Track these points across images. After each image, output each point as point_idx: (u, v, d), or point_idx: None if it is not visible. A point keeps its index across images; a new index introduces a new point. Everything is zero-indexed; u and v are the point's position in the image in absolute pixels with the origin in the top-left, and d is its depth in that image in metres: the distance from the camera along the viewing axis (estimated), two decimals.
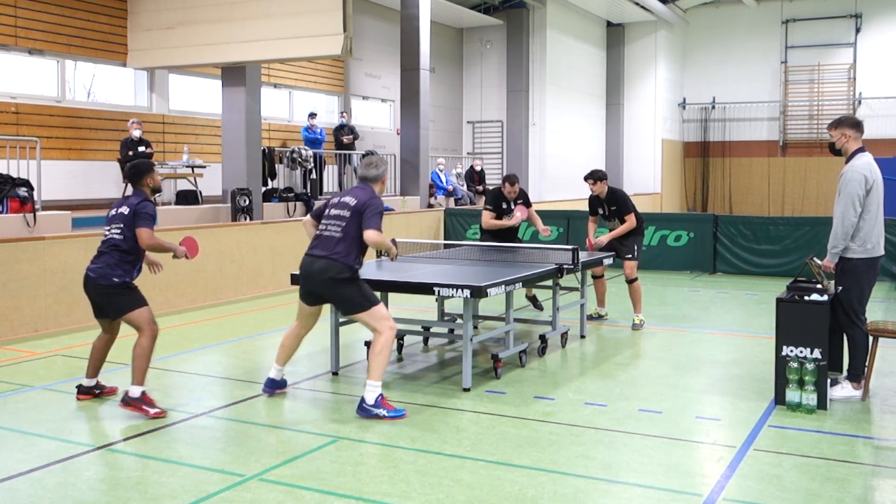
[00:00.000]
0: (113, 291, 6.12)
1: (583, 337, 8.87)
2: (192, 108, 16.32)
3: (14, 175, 10.60)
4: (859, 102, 27.58)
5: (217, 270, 11.33)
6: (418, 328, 8.14)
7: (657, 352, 8.34)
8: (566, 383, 7.05)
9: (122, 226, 6.16)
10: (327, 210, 6.29)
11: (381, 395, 5.97)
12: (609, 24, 28.28)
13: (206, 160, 14.61)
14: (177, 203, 13.77)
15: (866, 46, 27.60)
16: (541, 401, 6.45)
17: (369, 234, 6.01)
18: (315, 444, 5.44)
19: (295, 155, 15.83)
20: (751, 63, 29.07)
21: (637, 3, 25.42)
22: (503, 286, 6.76)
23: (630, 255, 9.56)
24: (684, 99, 30.24)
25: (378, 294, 7.88)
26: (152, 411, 6.00)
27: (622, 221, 9.63)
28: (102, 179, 13.90)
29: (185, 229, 11.26)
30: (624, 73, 28.50)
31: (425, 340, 8.52)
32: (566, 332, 8.44)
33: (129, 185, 6.57)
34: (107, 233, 6.24)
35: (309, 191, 15.88)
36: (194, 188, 13.98)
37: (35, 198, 10.47)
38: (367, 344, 7.74)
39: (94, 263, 6.20)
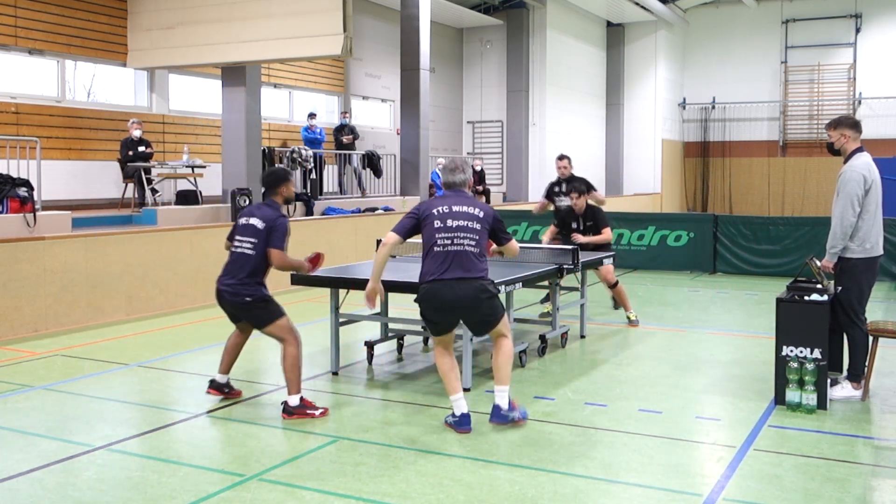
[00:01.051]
0: (248, 307, 6.08)
1: (583, 337, 8.87)
2: (192, 108, 16.33)
3: (14, 175, 10.60)
4: (859, 102, 27.58)
5: (217, 270, 11.27)
6: (418, 328, 8.14)
7: (657, 352, 8.34)
8: (566, 383, 7.05)
9: (254, 241, 6.03)
10: (442, 223, 5.59)
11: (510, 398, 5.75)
12: (609, 24, 28.28)
13: (206, 160, 14.60)
14: (177, 203, 13.77)
15: (866, 46, 27.60)
16: (541, 401, 6.45)
17: (515, 246, 5.90)
18: (315, 444, 5.44)
19: (295, 155, 15.82)
20: (751, 63, 29.07)
21: (637, 3, 25.42)
22: (503, 286, 6.76)
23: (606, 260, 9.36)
24: (684, 99, 30.24)
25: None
26: (318, 412, 6.01)
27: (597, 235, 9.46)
28: (102, 179, 13.91)
29: (185, 229, 11.27)
30: (624, 73, 28.50)
31: (425, 340, 8.52)
32: (566, 332, 8.44)
33: (264, 191, 6.37)
34: (237, 244, 6.12)
35: (309, 191, 15.88)
36: (194, 188, 13.98)
37: (35, 198, 10.47)
38: (367, 344, 7.75)
39: (226, 278, 6.11)
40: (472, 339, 6.75)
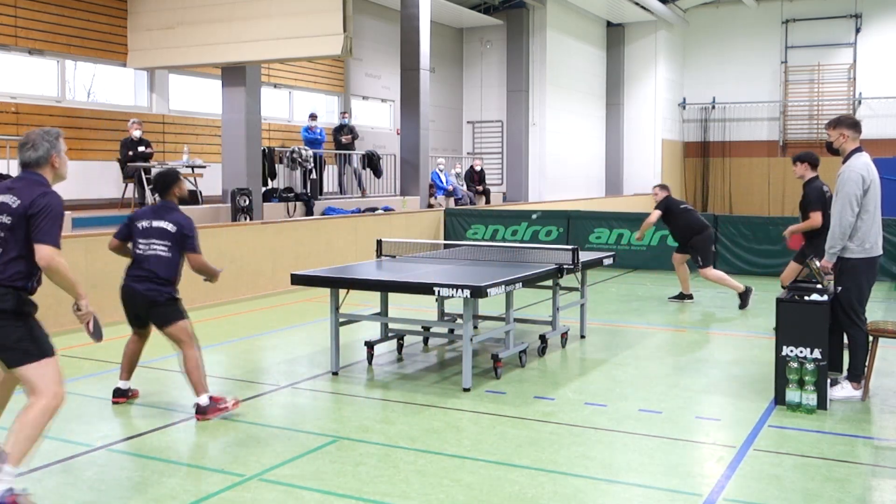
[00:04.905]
0: (159, 305, 6.14)
1: (583, 337, 8.87)
2: (192, 108, 16.32)
3: (14, 175, 10.60)
4: (859, 102, 27.58)
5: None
6: (418, 328, 8.15)
7: (657, 352, 8.34)
8: (566, 383, 7.05)
9: (168, 243, 6.16)
10: None
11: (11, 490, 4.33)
12: (609, 24, 28.28)
13: (206, 160, 14.60)
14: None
15: (866, 46, 27.60)
16: (541, 401, 6.45)
17: (46, 253, 4.40)
18: (315, 444, 5.44)
19: (295, 155, 15.82)
20: (751, 63, 29.05)
21: (637, 3, 25.42)
22: (503, 286, 6.76)
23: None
24: (684, 99, 30.23)
25: (378, 294, 7.93)
26: (230, 404, 6.07)
27: (804, 216, 8.96)
28: (102, 179, 13.90)
29: None
30: (624, 73, 28.49)
31: (425, 340, 8.52)
32: (566, 332, 8.44)
33: (157, 194, 6.56)
34: (144, 246, 6.20)
35: (309, 191, 15.88)
36: (194, 188, 13.97)
37: None
38: (367, 344, 7.75)
39: (138, 278, 6.17)
40: (471, 339, 6.75)
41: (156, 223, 6.25)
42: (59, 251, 4.42)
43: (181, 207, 6.55)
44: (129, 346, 6.48)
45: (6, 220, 4.41)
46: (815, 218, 8.51)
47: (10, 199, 4.43)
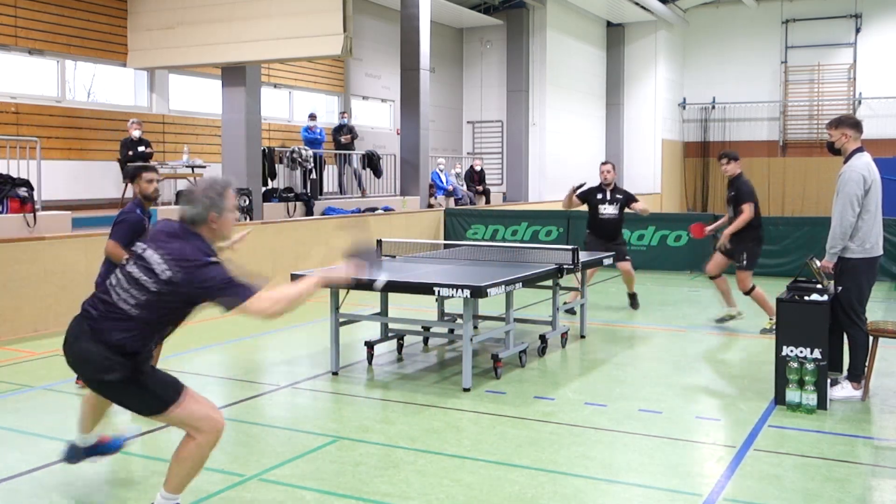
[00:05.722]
0: None
1: (583, 337, 8.87)
2: (192, 108, 16.32)
3: (14, 175, 10.59)
4: (859, 102, 27.57)
5: None
6: (418, 328, 8.15)
7: (657, 352, 8.34)
8: (566, 383, 7.05)
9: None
10: (128, 261, 4.05)
11: None
12: (609, 24, 28.27)
13: (206, 160, 14.60)
14: (177, 203, 13.76)
15: (866, 46, 27.59)
16: (541, 401, 6.45)
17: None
18: (315, 444, 5.44)
19: (295, 155, 15.82)
20: (751, 63, 29.05)
21: (637, 3, 25.41)
22: (503, 286, 6.76)
23: (741, 264, 9.01)
24: (684, 99, 30.22)
25: (378, 294, 7.93)
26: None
27: (736, 212, 8.94)
28: (102, 179, 13.90)
29: None
30: (624, 73, 28.49)
31: (425, 340, 8.52)
32: (566, 332, 8.44)
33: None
34: None
35: (309, 191, 15.88)
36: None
37: (35, 198, 10.46)
38: (367, 344, 7.75)
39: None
40: (471, 339, 6.75)
41: None
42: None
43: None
44: None
45: (152, 285, 3.97)
46: (749, 210, 8.87)
47: (163, 268, 3.95)
